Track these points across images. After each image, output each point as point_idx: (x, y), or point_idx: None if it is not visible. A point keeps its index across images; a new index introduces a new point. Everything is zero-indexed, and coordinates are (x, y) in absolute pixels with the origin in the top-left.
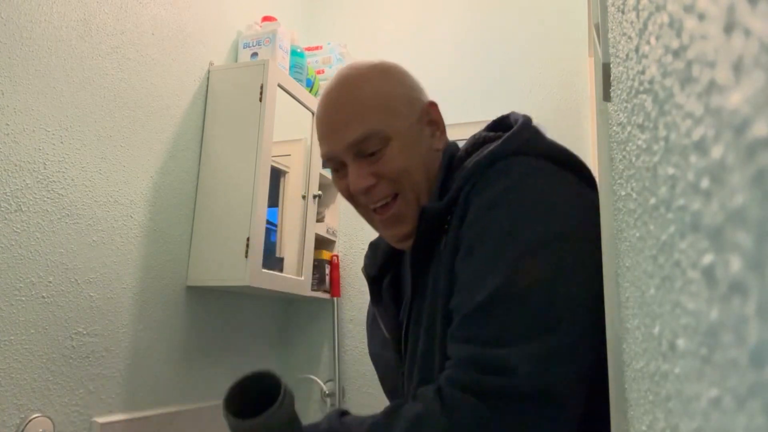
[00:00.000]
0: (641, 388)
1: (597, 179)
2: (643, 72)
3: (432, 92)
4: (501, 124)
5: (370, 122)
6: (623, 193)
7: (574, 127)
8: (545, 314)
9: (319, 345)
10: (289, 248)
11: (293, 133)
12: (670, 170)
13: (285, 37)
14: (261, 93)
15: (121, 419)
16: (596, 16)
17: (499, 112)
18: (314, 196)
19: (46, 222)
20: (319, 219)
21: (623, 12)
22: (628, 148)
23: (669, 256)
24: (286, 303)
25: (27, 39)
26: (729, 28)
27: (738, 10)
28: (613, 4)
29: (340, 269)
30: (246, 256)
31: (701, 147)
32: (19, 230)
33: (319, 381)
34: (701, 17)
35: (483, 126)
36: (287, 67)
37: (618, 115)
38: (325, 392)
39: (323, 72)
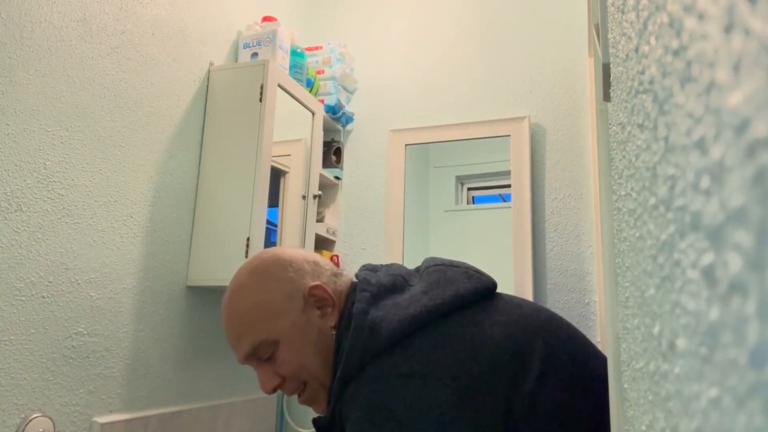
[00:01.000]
0: (641, 387)
1: (597, 179)
2: (642, 72)
3: (432, 92)
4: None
5: (255, 334)
6: (623, 192)
7: (574, 127)
8: None
9: None
10: None
11: (293, 133)
12: (670, 170)
13: (285, 37)
14: (261, 93)
15: (121, 419)
16: (596, 16)
17: (499, 112)
18: (314, 196)
19: (46, 222)
20: (319, 219)
21: (623, 12)
22: (628, 148)
23: (669, 255)
24: None
25: (27, 39)
26: (729, 28)
27: (738, 10)
28: (613, 4)
29: (340, 269)
30: (246, 256)
31: (701, 147)
32: (19, 230)
33: None
34: (701, 17)
35: (483, 125)
36: (287, 67)
37: (618, 115)
38: None
39: (323, 72)
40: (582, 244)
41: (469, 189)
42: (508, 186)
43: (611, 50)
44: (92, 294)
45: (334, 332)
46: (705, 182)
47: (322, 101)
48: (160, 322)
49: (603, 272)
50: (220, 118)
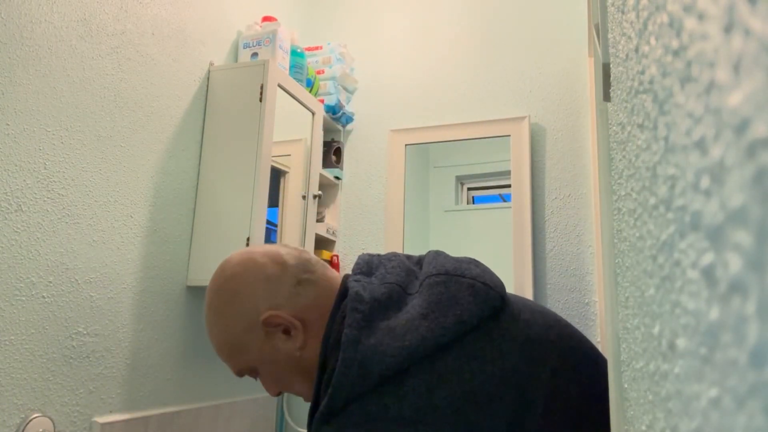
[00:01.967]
0: (641, 387)
1: (597, 179)
2: (642, 72)
3: (432, 92)
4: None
5: (234, 365)
6: (623, 192)
7: (574, 127)
8: None
9: None
10: None
11: (293, 133)
12: (670, 170)
13: (285, 37)
14: (261, 93)
15: (121, 419)
16: (596, 16)
17: (499, 112)
18: (314, 196)
19: (46, 222)
20: (319, 219)
21: (623, 12)
22: (628, 148)
23: (669, 255)
24: None
25: (27, 39)
26: (729, 28)
27: (738, 10)
28: (613, 4)
29: (340, 269)
30: None
31: (701, 147)
32: (19, 230)
33: None
34: (701, 17)
35: (483, 125)
36: (287, 67)
37: (618, 115)
38: None
39: (323, 72)
40: (582, 244)
41: (469, 189)
42: (508, 186)
43: (611, 50)
44: (92, 294)
45: (300, 354)
46: (705, 182)
47: (322, 101)
48: (160, 322)
49: (603, 272)
50: (220, 118)
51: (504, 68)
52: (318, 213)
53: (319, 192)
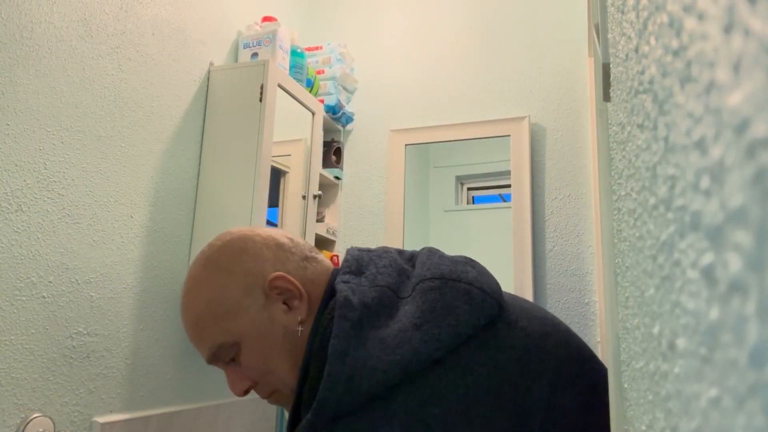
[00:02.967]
0: (641, 387)
1: (597, 179)
2: (642, 72)
3: (432, 92)
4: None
5: (212, 338)
6: (623, 192)
7: (574, 127)
8: None
9: None
10: None
11: (293, 133)
12: (670, 170)
13: (285, 37)
14: (261, 93)
15: (121, 419)
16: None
17: (499, 112)
18: (314, 196)
19: (46, 222)
20: (319, 219)
21: (623, 12)
22: (627, 148)
23: (668, 255)
24: None
25: (27, 39)
26: (728, 28)
27: (738, 10)
28: (612, 4)
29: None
30: None
31: (701, 147)
32: (19, 230)
33: None
34: (701, 17)
35: (483, 125)
36: (287, 67)
37: (618, 115)
38: None
39: (323, 72)
40: (582, 244)
41: (469, 189)
42: (508, 186)
43: (611, 50)
44: (92, 294)
45: (300, 328)
46: (705, 182)
47: (322, 101)
48: (160, 322)
49: (603, 272)
50: (220, 118)
51: (504, 68)
52: (318, 213)
53: (319, 192)
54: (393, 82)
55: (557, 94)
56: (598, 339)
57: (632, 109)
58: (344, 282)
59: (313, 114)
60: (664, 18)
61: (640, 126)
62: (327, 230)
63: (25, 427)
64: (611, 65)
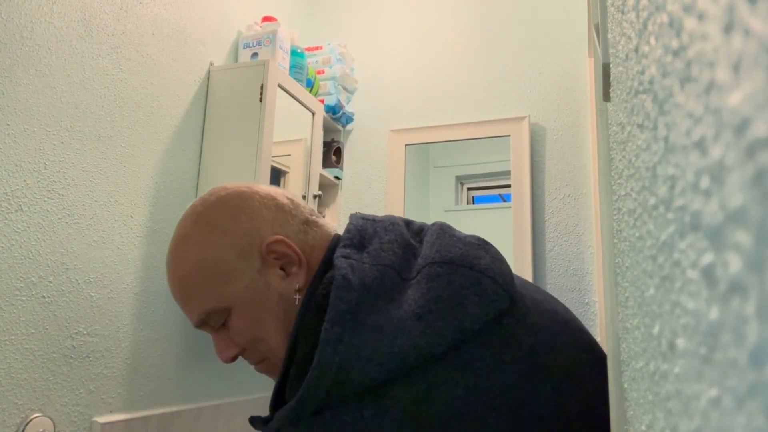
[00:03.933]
0: (641, 387)
1: (597, 179)
2: (642, 72)
3: (432, 92)
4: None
5: (202, 303)
6: (623, 192)
7: (574, 127)
8: None
9: None
10: None
11: (293, 133)
12: (670, 170)
13: (285, 37)
14: (261, 93)
15: (121, 419)
16: (596, 16)
17: (499, 112)
18: (314, 196)
19: (46, 222)
20: None
21: (623, 12)
22: (627, 148)
23: (668, 255)
24: None
25: (27, 39)
26: (729, 28)
27: (738, 10)
28: (612, 4)
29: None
30: None
31: (701, 147)
32: (19, 230)
33: None
34: (701, 17)
35: (483, 125)
36: (287, 67)
37: (618, 115)
38: None
39: (323, 72)
40: (582, 244)
41: (469, 189)
42: (508, 186)
43: (611, 50)
44: (92, 294)
45: (298, 296)
46: (705, 182)
47: (322, 101)
48: (160, 322)
49: (603, 272)
50: (220, 118)
51: (504, 68)
52: (318, 213)
53: (319, 192)
54: (393, 82)
55: (557, 94)
56: (598, 339)
57: (632, 109)
58: (344, 257)
59: (313, 114)
60: (664, 18)
61: (640, 126)
62: None
63: (25, 427)
64: (611, 65)
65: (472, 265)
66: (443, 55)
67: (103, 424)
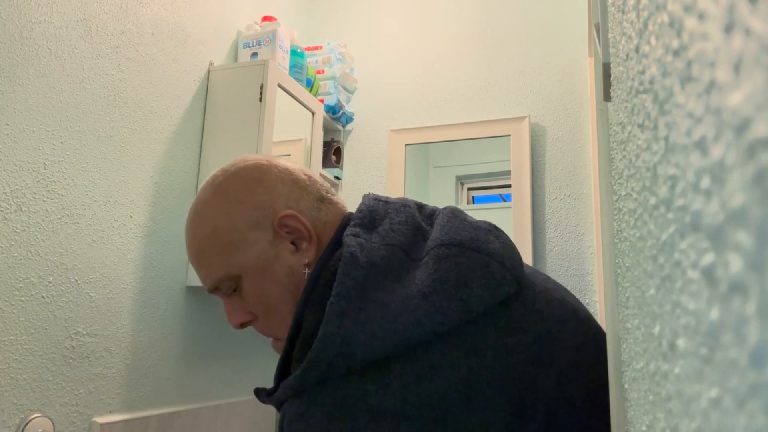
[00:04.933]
0: (641, 388)
1: (597, 179)
2: (643, 72)
3: (432, 92)
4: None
5: (215, 269)
6: (623, 192)
7: (574, 127)
8: None
9: None
10: None
11: (293, 133)
12: (670, 170)
13: (285, 37)
14: (261, 93)
15: (121, 419)
16: (596, 16)
17: (499, 112)
18: None
19: (46, 222)
20: None
21: (623, 12)
22: (628, 148)
23: (669, 256)
24: None
25: (27, 39)
26: (729, 27)
27: (738, 10)
28: (613, 4)
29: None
30: None
31: (701, 147)
32: (19, 230)
33: None
34: (701, 17)
35: (483, 125)
36: (287, 67)
37: (618, 115)
38: None
39: (323, 72)
40: (582, 244)
41: (469, 189)
42: (508, 186)
43: (611, 50)
44: (92, 294)
45: (306, 271)
46: (705, 182)
47: (322, 101)
48: (160, 322)
49: (603, 272)
50: (220, 118)
51: (504, 68)
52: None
53: None
54: (393, 82)
55: (557, 94)
56: None
57: (633, 109)
58: (353, 235)
59: (313, 114)
60: (665, 18)
61: (641, 126)
62: None
63: (24, 427)
64: (611, 65)
65: (481, 249)
66: (443, 55)
67: (103, 425)
